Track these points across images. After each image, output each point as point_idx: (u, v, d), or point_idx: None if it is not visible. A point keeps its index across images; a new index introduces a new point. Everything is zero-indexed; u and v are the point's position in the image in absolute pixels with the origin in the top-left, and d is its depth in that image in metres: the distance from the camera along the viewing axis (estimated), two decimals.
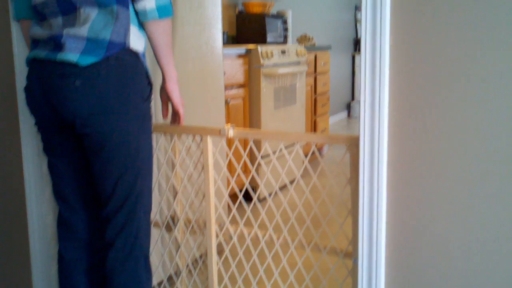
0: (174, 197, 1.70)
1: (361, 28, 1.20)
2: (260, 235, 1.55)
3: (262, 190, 3.21)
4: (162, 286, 1.89)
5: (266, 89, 3.23)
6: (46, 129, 1.36)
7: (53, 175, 1.43)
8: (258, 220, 1.53)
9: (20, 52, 1.63)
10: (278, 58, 3.35)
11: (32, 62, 1.32)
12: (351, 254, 1.40)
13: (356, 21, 7.07)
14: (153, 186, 1.73)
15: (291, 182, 3.66)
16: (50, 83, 1.26)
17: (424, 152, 1.19)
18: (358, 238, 1.28)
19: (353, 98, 7.04)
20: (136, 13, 1.29)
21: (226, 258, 2.15)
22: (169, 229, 1.73)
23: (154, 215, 1.74)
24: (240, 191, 3.10)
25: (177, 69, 2.01)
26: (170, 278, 1.98)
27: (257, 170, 3.21)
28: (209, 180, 1.56)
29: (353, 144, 1.32)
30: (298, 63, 3.65)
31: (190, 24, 2.08)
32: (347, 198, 3.13)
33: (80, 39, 1.22)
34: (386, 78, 1.19)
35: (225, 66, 2.81)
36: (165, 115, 1.52)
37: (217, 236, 1.61)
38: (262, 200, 3.27)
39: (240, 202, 3.03)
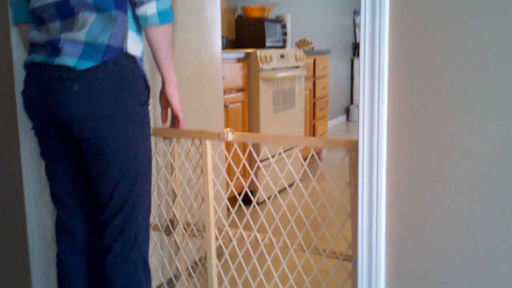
0: (173, 201, 1.70)
1: (360, 33, 1.21)
2: (259, 238, 1.55)
3: (261, 194, 3.21)
4: None
5: (265, 93, 3.23)
6: (44, 133, 1.36)
7: (51, 179, 1.43)
8: (257, 223, 1.54)
9: (19, 55, 1.63)
10: (277, 62, 3.36)
11: (29, 66, 1.32)
12: (351, 257, 1.41)
13: (355, 26, 7.09)
14: (152, 189, 1.73)
15: (290, 185, 3.66)
16: (47, 87, 1.26)
17: (423, 156, 1.19)
18: (357, 241, 1.29)
19: (351, 102, 7.05)
20: (136, 18, 1.30)
21: (226, 261, 2.15)
22: (168, 232, 1.74)
23: (153, 218, 1.75)
24: (239, 194, 3.10)
25: (176, 73, 2.01)
26: (169, 282, 1.98)
27: (256, 173, 3.21)
28: (208, 183, 1.56)
29: (352, 148, 1.32)
30: (297, 67, 3.66)
31: (190, 28, 2.09)
32: (346, 201, 3.13)
33: (77, 43, 1.23)
34: (385, 82, 1.19)
35: (224, 70, 2.81)
36: (164, 120, 1.53)
37: (216, 239, 1.62)
38: (261, 203, 3.28)
39: (239, 205, 3.03)
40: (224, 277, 1.63)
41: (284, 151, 3.61)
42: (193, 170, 1.67)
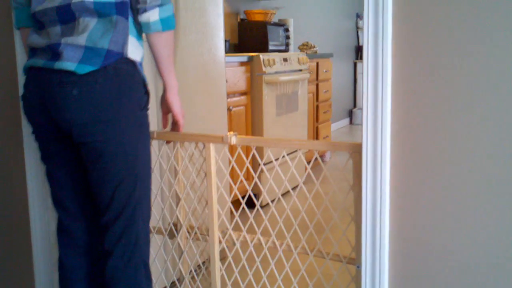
0: (177, 204, 1.70)
1: (362, 36, 1.21)
2: (263, 241, 1.55)
3: (265, 197, 3.21)
4: None
5: (268, 97, 3.24)
6: (44, 138, 1.36)
7: (52, 183, 1.43)
8: (261, 227, 1.53)
9: (23, 59, 1.64)
10: (280, 66, 3.36)
11: (29, 71, 1.32)
12: (354, 261, 1.41)
13: (357, 29, 7.09)
14: (156, 193, 1.74)
15: (294, 188, 3.66)
16: (47, 92, 1.26)
17: (427, 159, 1.19)
18: (361, 244, 1.28)
19: (355, 105, 7.05)
20: (137, 24, 1.30)
21: (229, 264, 2.15)
22: (172, 236, 1.74)
23: (157, 222, 1.75)
24: (243, 197, 3.10)
25: (179, 77, 2.02)
26: (173, 285, 1.98)
27: (259, 177, 3.21)
28: (212, 187, 1.56)
29: (356, 151, 1.32)
30: (300, 71, 3.66)
31: (193, 32, 2.10)
32: (350, 204, 3.13)
33: (78, 48, 1.23)
34: (388, 85, 1.19)
35: (227, 74, 2.82)
36: (164, 125, 1.54)
37: (220, 242, 1.62)
38: (264, 206, 3.28)
39: (243, 208, 3.03)
40: (227, 281, 1.63)
41: (288, 154, 3.61)
42: (196, 174, 1.67)
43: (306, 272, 2.21)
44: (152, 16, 1.27)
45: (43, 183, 1.69)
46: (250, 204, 3.19)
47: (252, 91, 3.18)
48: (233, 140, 1.51)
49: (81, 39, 1.23)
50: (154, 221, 1.81)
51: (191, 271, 1.80)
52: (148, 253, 1.42)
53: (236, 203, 3.12)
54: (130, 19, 1.29)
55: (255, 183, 3.08)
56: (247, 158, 3.05)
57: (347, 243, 2.37)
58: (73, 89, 1.22)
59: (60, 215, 1.44)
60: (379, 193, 1.23)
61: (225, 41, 3.19)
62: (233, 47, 4.02)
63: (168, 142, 1.64)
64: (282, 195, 3.56)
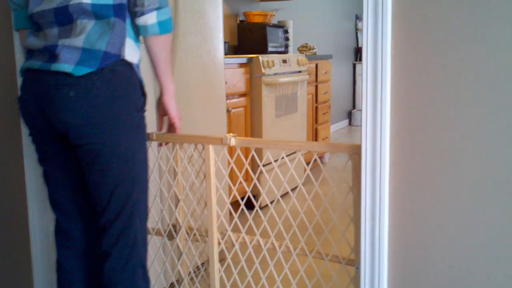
0: (176, 205, 1.70)
1: (362, 37, 1.21)
2: (262, 242, 1.55)
3: (264, 198, 3.21)
4: None
5: (267, 98, 3.24)
6: (41, 140, 1.36)
7: (49, 185, 1.43)
8: (260, 228, 1.54)
9: (22, 61, 1.64)
10: (279, 67, 3.37)
11: (26, 72, 1.31)
12: (354, 262, 1.41)
13: (356, 30, 7.10)
14: (155, 194, 1.74)
15: (293, 190, 3.66)
16: (44, 93, 1.26)
17: (427, 160, 1.19)
18: (360, 245, 1.29)
19: (354, 106, 7.05)
20: (135, 27, 1.31)
21: (228, 265, 2.15)
22: (171, 237, 1.74)
23: (156, 223, 1.75)
24: (242, 199, 3.10)
25: (179, 78, 2.03)
26: (172, 286, 1.98)
27: (258, 178, 3.21)
28: (211, 188, 1.56)
29: (355, 152, 1.33)
30: (299, 72, 3.67)
31: (192, 34, 2.10)
32: (349, 205, 3.13)
33: (75, 50, 1.23)
34: (388, 86, 1.20)
35: (226, 75, 2.82)
36: (160, 127, 1.54)
37: (219, 244, 1.62)
38: (264, 207, 3.28)
39: (242, 210, 3.03)
40: (226, 282, 1.63)
41: (287, 156, 3.61)
42: (196, 175, 1.68)
43: (305, 273, 2.21)
44: (149, 19, 1.27)
45: (42, 184, 1.69)
46: (249, 206, 3.19)
47: (251, 92, 3.18)
48: (232, 141, 1.51)
49: (78, 41, 1.23)
50: (153, 222, 1.81)
51: (190, 272, 1.80)
52: (146, 255, 1.42)
53: (235, 204, 3.12)
54: (128, 21, 1.29)
55: (254, 184, 3.08)
56: (246, 160, 3.05)
57: (346, 244, 2.37)
58: (70, 91, 1.22)
59: (58, 216, 1.44)
60: (378, 194, 1.24)
61: (225, 42, 3.19)
62: (232, 49, 4.02)
63: (160, 145, 1.64)
64: (281, 196, 3.56)
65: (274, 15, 4.16)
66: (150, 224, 1.81)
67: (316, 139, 4.26)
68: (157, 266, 1.84)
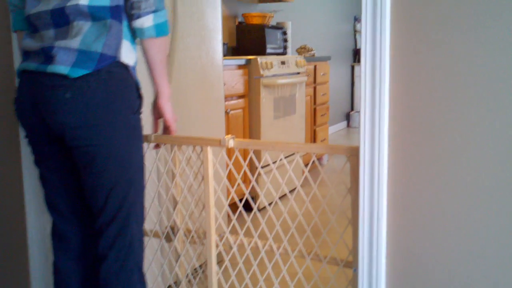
0: (174, 207, 1.70)
1: (360, 39, 1.21)
2: (260, 244, 1.55)
3: (262, 200, 3.21)
4: None
5: (266, 100, 3.24)
6: (37, 141, 1.36)
7: (46, 187, 1.42)
8: (258, 230, 1.53)
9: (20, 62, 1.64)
10: (278, 69, 3.37)
11: (22, 74, 1.31)
12: (351, 264, 1.40)
13: (355, 32, 7.11)
14: (153, 196, 1.73)
15: (291, 191, 3.66)
16: (40, 95, 1.25)
17: (425, 162, 1.19)
18: (358, 247, 1.28)
19: (352, 108, 7.06)
20: (132, 29, 1.30)
21: (226, 268, 2.15)
22: (169, 239, 1.73)
23: (154, 225, 1.74)
24: (240, 201, 3.10)
25: (177, 80, 2.02)
26: None
27: (257, 180, 3.21)
28: (209, 190, 1.56)
29: (353, 154, 1.32)
30: (297, 74, 3.67)
31: (191, 35, 2.10)
32: (347, 207, 3.13)
33: (71, 51, 1.22)
34: (386, 88, 1.20)
35: (225, 77, 2.82)
36: (155, 130, 1.54)
37: (217, 246, 1.61)
38: (262, 209, 3.27)
39: (240, 212, 3.03)
40: (224, 284, 1.63)
41: (285, 157, 3.61)
42: (194, 177, 1.67)
43: (303, 276, 2.21)
44: (146, 22, 1.27)
45: (40, 186, 1.68)
46: (248, 208, 3.19)
47: (250, 94, 3.18)
48: (231, 143, 1.51)
49: (75, 43, 1.23)
50: (151, 224, 1.81)
51: (188, 274, 1.80)
52: (143, 257, 1.42)
53: (233, 206, 3.12)
54: (125, 23, 1.29)
55: (253, 186, 3.08)
56: (244, 161, 3.05)
57: (344, 246, 2.37)
58: (65, 93, 1.22)
59: (54, 219, 1.44)
60: (376, 196, 1.24)
61: (223, 44, 3.19)
62: (231, 50, 4.02)
63: (155, 147, 1.63)
64: (280, 198, 3.55)
65: (272, 17, 4.17)
66: (148, 226, 1.81)
67: (314, 141, 4.26)
68: (155, 268, 1.84)
